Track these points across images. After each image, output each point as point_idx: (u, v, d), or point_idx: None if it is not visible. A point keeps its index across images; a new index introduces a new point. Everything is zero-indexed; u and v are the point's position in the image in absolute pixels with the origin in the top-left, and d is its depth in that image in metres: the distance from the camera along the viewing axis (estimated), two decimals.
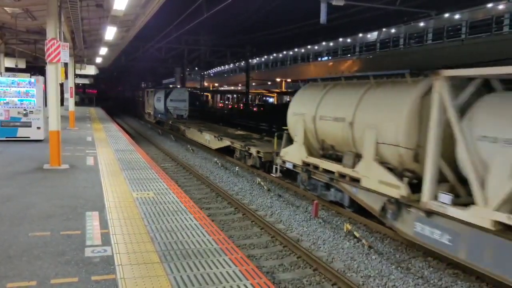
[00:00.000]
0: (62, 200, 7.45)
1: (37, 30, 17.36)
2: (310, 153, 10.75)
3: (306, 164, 10.77)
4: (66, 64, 18.75)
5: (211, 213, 10.13)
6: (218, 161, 16.78)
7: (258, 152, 14.31)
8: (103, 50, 24.14)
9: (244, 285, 4.45)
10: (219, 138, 17.99)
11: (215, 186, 12.49)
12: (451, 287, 6.55)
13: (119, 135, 18.48)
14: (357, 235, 8.36)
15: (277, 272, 6.96)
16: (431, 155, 6.80)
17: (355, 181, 8.83)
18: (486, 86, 6.93)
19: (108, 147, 14.34)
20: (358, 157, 8.89)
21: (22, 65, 22.97)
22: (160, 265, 4.83)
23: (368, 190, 8.40)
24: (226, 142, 17.26)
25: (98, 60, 31.47)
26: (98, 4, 12.84)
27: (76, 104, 28.99)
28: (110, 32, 15.61)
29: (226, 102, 70.62)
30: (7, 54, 21.78)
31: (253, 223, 9.49)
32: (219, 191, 12.00)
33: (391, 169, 8.01)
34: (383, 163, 8.14)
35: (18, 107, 14.37)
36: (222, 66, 66.55)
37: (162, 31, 28.66)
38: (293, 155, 11.38)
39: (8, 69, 20.72)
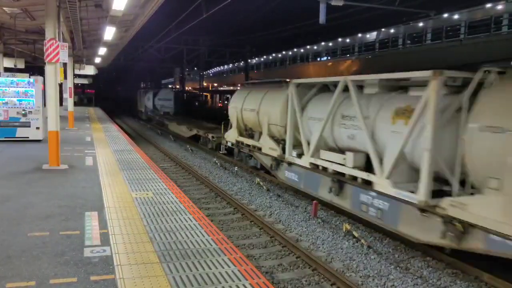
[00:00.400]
0: (61, 200, 7.45)
1: (36, 30, 17.35)
2: (240, 134, 15.02)
3: (238, 142, 15.10)
4: (65, 64, 18.76)
5: (210, 213, 10.14)
6: (217, 161, 16.78)
7: (212, 137, 19.17)
8: (102, 50, 24.13)
9: (243, 285, 4.46)
10: (190, 128, 23.48)
11: (214, 186, 12.49)
12: (450, 286, 6.56)
13: (118, 135, 18.48)
14: (356, 235, 8.37)
15: (276, 272, 6.96)
16: (289, 130, 11.32)
17: (260, 149, 13.15)
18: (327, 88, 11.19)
19: (107, 147, 14.34)
20: (261, 133, 13.31)
21: (21, 65, 22.94)
22: (159, 265, 4.83)
23: (266, 154, 12.77)
24: (194, 132, 22.67)
25: (97, 60, 31.46)
26: (97, 4, 12.83)
27: (75, 104, 28.99)
28: (109, 32, 15.60)
29: (226, 102, 70.67)
30: (6, 54, 21.76)
31: (252, 223, 9.49)
32: (218, 191, 12.00)
33: (276, 140, 12.33)
34: (272, 136, 12.58)
35: (17, 107, 14.36)
36: (222, 66, 66.54)
37: (161, 31, 28.64)
38: (231, 136, 15.69)
39: (7, 69, 20.70)
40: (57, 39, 10.09)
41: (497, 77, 6.41)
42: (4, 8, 13.12)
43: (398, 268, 7.12)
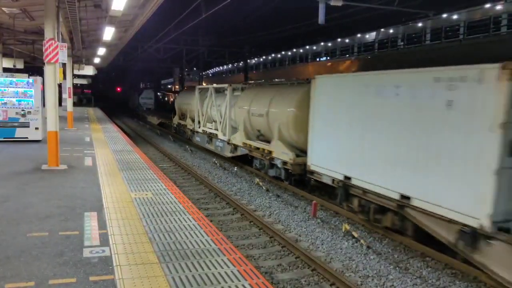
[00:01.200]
0: (60, 200, 7.45)
1: (35, 30, 17.34)
2: (180, 118, 24.96)
3: (179, 124, 24.72)
4: (64, 65, 18.74)
5: (209, 213, 10.14)
6: (216, 162, 16.78)
7: (168, 122, 27.56)
8: (101, 51, 24.13)
9: (243, 285, 4.46)
10: (158, 118, 32.87)
11: (214, 187, 12.49)
12: (449, 287, 6.56)
13: (117, 135, 18.47)
14: (356, 235, 8.37)
15: (275, 272, 6.96)
16: (196, 114, 19.56)
17: (185, 126, 22.86)
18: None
19: (106, 147, 14.33)
20: (186, 116, 22.90)
21: (20, 65, 22.93)
22: (159, 266, 4.83)
23: (186, 127, 22.17)
24: (160, 120, 32.40)
25: (97, 60, 31.45)
26: (96, 5, 12.83)
27: (74, 104, 28.95)
28: (108, 33, 15.60)
29: None
30: (5, 55, 21.73)
31: (252, 223, 9.49)
32: (218, 191, 11.99)
33: (193, 120, 21.59)
34: (190, 117, 21.65)
35: (16, 108, 14.35)
36: (221, 67, 66.55)
37: (161, 31, 28.65)
38: (176, 119, 24.46)
39: (6, 70, 20.67)
40: (56, 39, 10.08)
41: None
42: (3, 8, 13.11)
43: (397, 268, 7.13)
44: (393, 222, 7.95)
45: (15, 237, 5.58)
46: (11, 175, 9.35)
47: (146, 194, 8.08)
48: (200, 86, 21.14)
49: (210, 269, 4.80)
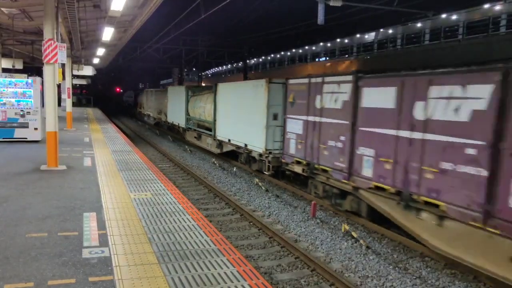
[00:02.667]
0: (59, 201, 7.44)
1: (34, 30, 17.33)
2: (158, 114, 30.86)
3: (159, 118, 31.72)
4: (63, 65, 18.72)
5: (208, 213, 10.13)
6: (215, 162, 16.78)
7: (140, 112, 38.23)
8: (101, 51, 24.10)
9: (242, 285, 4.45)
10: (135, 110, 43.25)
11: (213, 187, 12.48)
12: (449, 287, 6.56)
13: (116, 136, 18.46)
14: (355, 235, 8.37)
15: (275, 273, 6.95)
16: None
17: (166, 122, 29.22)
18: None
19: (105, 148, 14.32)
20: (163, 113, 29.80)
21: (19, 65, 22.89)
22: (158, 266, 4.83)
23: (173, 125, 26.81)
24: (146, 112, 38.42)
25: (96, 60, 31.42)
26: (96, 5, 12.82)
27: (74, 104, 28.92)
28: (108, 33, 15.59)
29: None
30: (4, 55, 21.71)
31: (251, 223, 9.48)
32: (217, 192, 11.99)
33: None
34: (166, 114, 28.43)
35: (15, 108, 14.33)
36: (220, 67, 66.56)
37: (160, 32, 28.65)
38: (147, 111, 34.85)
39: (5, 70, 20.66)
40: (55, 39, 10.07)
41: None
42: (2, 9, 13.10)
43: (397, 268, 7.13)
44: (245, 158, 15.02)
45: (14, 238, 5.57)
46: (10, 176, 9.34)
47: (146, 195, 8.07)
48: (149, 89, 35.83)
49: (209, 270, 4.80)
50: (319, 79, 10.51)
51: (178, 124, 24.10)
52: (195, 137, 21.17)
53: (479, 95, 6.25)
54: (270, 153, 12.78)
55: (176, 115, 24.62)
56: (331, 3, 15.31)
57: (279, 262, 7.41)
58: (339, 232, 8.80)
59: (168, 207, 7.30)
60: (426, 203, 7.18)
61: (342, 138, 9.49)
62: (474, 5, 23.97)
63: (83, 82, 47.01)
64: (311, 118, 10.78)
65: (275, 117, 12.74)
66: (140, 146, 20.08)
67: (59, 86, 22.30)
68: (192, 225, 6.38)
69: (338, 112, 9.69)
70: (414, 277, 6.81)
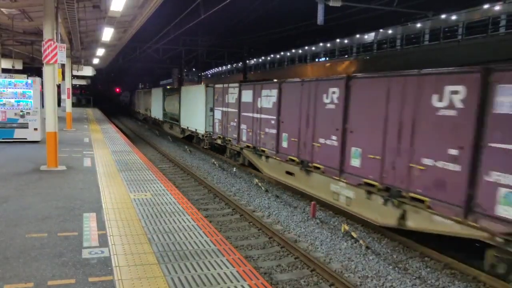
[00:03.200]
0: (59, 201, 7.44)
1: (34, 31, 17.33)
2: (145, 110, 37.90)
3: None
4: (63, 65, 18.71)
5: (208, 214, 10.13)
6: (215, 162, 16.78)
7: (141, 110, 39.83)
8: (100, 51, 24.11)
9: (242, 286, 4.45)
10: (133, 106, 46.47)
11: (213, 187, 12.49)
12: (448, 287, 6.56)
13: (116, 136, 18.46)
14: (355, 235, 8.37)
15: (274, 273, 6.96)
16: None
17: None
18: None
19: (105, 148, 14.32)
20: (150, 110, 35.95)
21: (19, 66, 22.90)
22: (158, 266, 4.83)
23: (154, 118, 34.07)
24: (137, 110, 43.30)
25: (96, 61, 31.43)
26: (95, 5, 12.82)
27: (73, 105, 28.92)
28: (107, 33, 15.59)
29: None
30: (3, 55, 21.71)
31: (251, 224, 9.48)
32: (217, 192, 11.99)
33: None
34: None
35: (15, 108, 14.34)
36: (220, 67, 66.57)
37: (160, 32, 28.65)
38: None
39: (4, 70, 20.65)
40: (55, 40, 10.07)
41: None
42: (2, 9, 13.09)
43: (396, 268, 7.13)
44: (196, 139, 20.94)
45: (14, 238, 5.58)
46: (10, 176, 9.34)
47: (145, 195, 8.07)
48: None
49: (209, 270, 4.80)
50: (225, 85, 16.38)
51: (158, 118, 30.90)
52: (169, 127, 28.07)
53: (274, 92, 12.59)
54: (208, 134, 18.71)
55: (156, 111, 31.42)
56: (331, 4, 15.32)
57: (279, 262, 7.41)
58: (338, 232, 8.80)
59: (168, 207, 7.30)
60: (263, 151, 13.10)
61: (236, 120, 15.22)
62: (474, 5, 23.98)
63: (83, 82, 47.04)
64: (224, 109, 16.45)
65: (211, 110, 18.25)
66: (139, 147, 20.08)
67: (58, 86, 22.30)
68: (192, 225, 6.38)
69: (233, 105, 15.48)
70: (414, 277, 6.81)
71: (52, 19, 10.03)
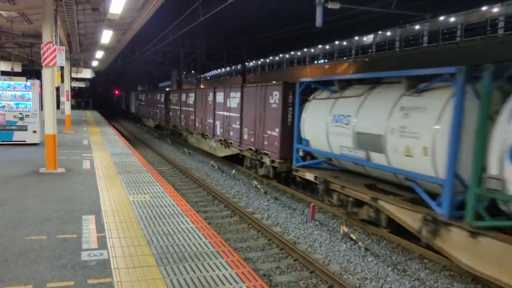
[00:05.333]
0: (58, 203, 7.44)
1: (33, 33, 17.34)
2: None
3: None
4: (62, 68, 18.71)
5: (207, 216, 10.13)
6: (214, 164, 16.78)
7: (128, 109, 49.27)
8: (99, 54, 24.12)
9: (240, 287, 4.46)
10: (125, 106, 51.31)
11: (212, 189, 12.49)
12: None
13: (115, 138, 18.46)
14: (354, 237, 8.38)
15: (273, 275, 6.96)
16: None
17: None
18: None
19: (104, 150, 14.32)
20: None
21: (18, 68, 22.93)
22: (157, 268, 4.83)
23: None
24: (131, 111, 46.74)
25: (95, 63, 31.45)
26: (94, 8, 12.84)
27: (72, 107, 28.92)
28: (106, 36, 15.60)
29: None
30: (3, 58, 21.73)
31: (250, 226, 9.49)
32: (216, 194, 12.00)
33: None
34: None
35: (14, 111, 14.34)
36: (219, 69, 66.60)
37: (159, 34, 28.65)
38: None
39: (4, 73, 20.68)
40: (54, 42, 10.09)
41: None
42: (1, 12, 13.11)
43: (395, 270, 7.14)
44: (172, 131, 27.24)
45: (13, 240, 5.58)
46: (9, 178, 9.34)
47: (144, 197, 8.08)
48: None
49: (208, 272, 4.81)
50: (204, 89, 21.04)
51: (134, 113, 43.08)
52: (146, 121, 36.60)
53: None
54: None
55: (133, 108, 43.90)
56: (329, 6, 15.33)
57: (278, 264, 7.41)
58: (337, 234, 8.81)
59: (167, 209, 7.31)
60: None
61: (211, 118, 18.54)
62: (472, 7, 24.03)
63: (82, 84, 47.03)
64: (203, 109, 19.77)
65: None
66: (139, 149, 20.08)
67: (58, 89, 22.28)
68: (191, 227, 6.39)
69: (210, 105, 18.59)
70: (413, 279, 6.82)
71: (51, 21, 10.04)
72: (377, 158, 8.41)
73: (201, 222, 6.68)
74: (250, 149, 14.35)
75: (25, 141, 14.53)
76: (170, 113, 27.46)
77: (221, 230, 9.16)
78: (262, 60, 51.89)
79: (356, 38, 34.57)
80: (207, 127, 19.08)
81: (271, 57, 49.66)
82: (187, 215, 7.00)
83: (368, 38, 33.57)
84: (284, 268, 7.23)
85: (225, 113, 16.58)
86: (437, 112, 6.99)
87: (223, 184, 13.58)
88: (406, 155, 7.54)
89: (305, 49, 42.10)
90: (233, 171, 15.36)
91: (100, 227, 6.20)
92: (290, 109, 12.36)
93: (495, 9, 23.20)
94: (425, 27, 27.06)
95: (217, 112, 17.58)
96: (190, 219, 6.81)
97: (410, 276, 6.93)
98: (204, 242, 5.75)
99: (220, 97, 17.26)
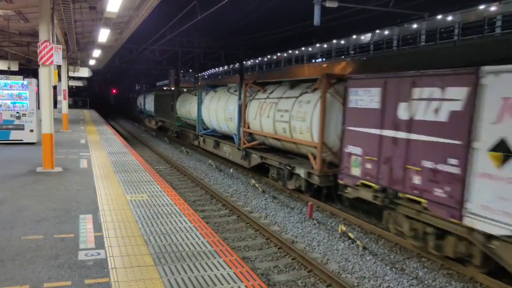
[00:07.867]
0: (55, 203, 7.41)
1: (29, 32, 17.26)
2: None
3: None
4: (59, 67, 18.66)
5: (205, 215, 10.12)
6: (212, 163, 16.76)
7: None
8: (97, 52, 24.04)
9: (239, 287, 4.44)
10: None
11: (210, 188, 12.47)
12: (445, 287, 6.58)
13: (113, 137, 18.41)
14: (352, 236, 8.38)
15: (272, 274, 6.95)
16: None
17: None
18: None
19: (101, 149, 14.28)
20: None
21: (14, 67, 22.83)
22: (154, 268, 4.81)
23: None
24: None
25: (92, 62, 31.35)
26: (91, 7, 12.78)
27: (70, 106, 28.84)
28: (103, 34, 15.54)
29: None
30: None
31: (248, 225, 9.47)
32: (214, 193, 11.98)
33: None
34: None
35: (11, 110, 14.28)
36: (217, 68, 66.55)
37: (156, 33, 28.60)
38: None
39: (0, 72, 20.57)
40: (51, 41, 10.04)
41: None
42: None
43: (393, 269, 7.14)
44: (161, 126, 30.40)
45: (10, 240, 5.54)
46: (6, 178, 9.29)
47: (142, 196, 8.05)
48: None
49: (206, 271, 4.79)
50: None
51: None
52: (143, 117, 38.33)
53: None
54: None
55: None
56: (327, 5, 15.34)
57: (276, 263, 7.40)
58: (336, 233, 8.80)
59: (164, 208, 7.29)
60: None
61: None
62: (470, 6, 24.06)
63: (80, 83, 46.91)
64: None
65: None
66: (136, 148, 20.03)
67: (55, 87, 22.23)
68: (189, 226, 6.37)
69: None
70: (411, 278, 6.82)
71: (48, 20, 9.99)
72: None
73: (199, 221, 6.66)
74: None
75: (22, 140, 14.48)
76: None
77: (219, 229, 9.14)
78: (260, 59, 51.87)
79: (354, 37, 34.59)
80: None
81: (268, 56, 49.65)
82: (185, 214, 6.98)
83: (366, 37, 33.59)
84: (282, 267, 7.22)
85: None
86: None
87: (221, 183, 13.56)
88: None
89: (302, 48, 42.10)
90: (231, 170, 15.34)
91: (97, 227, 6.17)
92: None
93: (493, 8, 23.23)
94: (423, 26, 27.07)
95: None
96: (188, 218, 6.79)
97: (408, 275, 6.93)
98: (202, 242, 5.73)
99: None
